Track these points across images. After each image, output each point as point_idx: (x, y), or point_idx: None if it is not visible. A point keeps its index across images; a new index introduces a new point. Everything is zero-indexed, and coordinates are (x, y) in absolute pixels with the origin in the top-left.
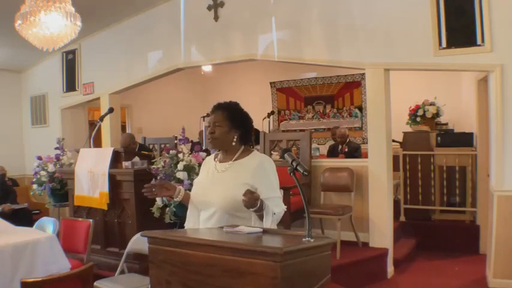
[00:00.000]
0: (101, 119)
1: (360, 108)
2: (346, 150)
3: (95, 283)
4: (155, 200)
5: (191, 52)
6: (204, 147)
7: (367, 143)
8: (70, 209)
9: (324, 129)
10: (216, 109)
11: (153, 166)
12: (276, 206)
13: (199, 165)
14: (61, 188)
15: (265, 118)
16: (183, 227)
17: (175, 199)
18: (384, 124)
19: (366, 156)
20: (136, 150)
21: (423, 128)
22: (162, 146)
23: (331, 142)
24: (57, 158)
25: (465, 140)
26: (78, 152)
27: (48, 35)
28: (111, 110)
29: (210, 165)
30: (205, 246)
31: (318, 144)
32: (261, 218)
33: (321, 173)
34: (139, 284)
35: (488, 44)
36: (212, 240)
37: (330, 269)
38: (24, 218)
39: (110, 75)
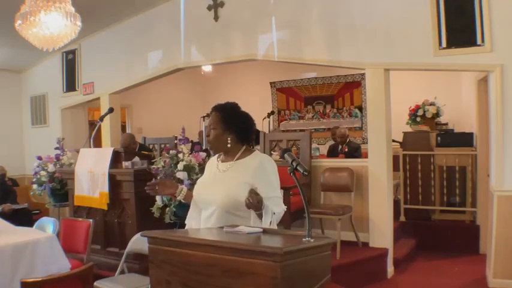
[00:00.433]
0: (101, 119)
1: (360, 108)
2: (346, 150)
3: (95, 283)
4: (155, 200)
5: (191, 52)
6: (204, 147)
7: (367, 143)
8: (70, 209)
9: (324, 129)
10: (212, 111)
11: (153, 166)
12: (275, 206)
13: (199, 165)
14: (61, 188)
15: (265, 118)
16: (183, 227)
17: (177, 197)
18: (384, 124)
19: (366, 156)
20: (136, 150)
21: (423, 128)
22: (162, 146)
23: (331, 142)
24: (57, 158)
25: (465, 140)
26: (78, 152)
27: (48, 35)
28: (111, 110)
29: (213, 165)
30: (205, 246)
31: (318, 144)
32: (260, 217)
33: (321, 173)
34: (139, 284)
35: (488, 44)
36: (212, 240)
37: (330, 269)
38: (24, 218)
39: (110, 75)
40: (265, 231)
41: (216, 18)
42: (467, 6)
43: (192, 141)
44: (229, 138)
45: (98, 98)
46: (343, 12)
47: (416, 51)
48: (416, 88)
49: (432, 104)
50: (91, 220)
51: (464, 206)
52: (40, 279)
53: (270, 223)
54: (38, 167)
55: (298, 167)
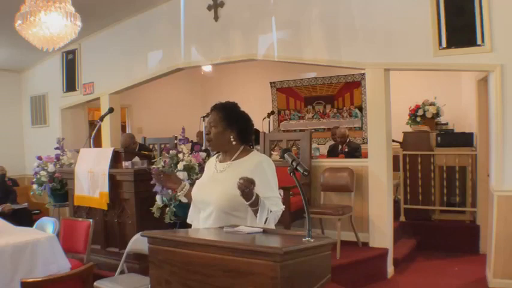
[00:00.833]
0: (101, 119)
1: (360, 108)
2: (346, 150)
3: (95, 283)
4: (155, 200)
5: (191, 52)
6: (203, 147)
7: (367, 143)
8: (70, 209)
9: (324, 129)
10: (212, 110)
11: (153, 166)
12: (273, 205)
13: (199, 165)
14: (61, 188)
15: (265, 118)
16: (183, 227)
17: (178, 193)
18: (384, 124)
19: (366, 156)
20: (136, 150)
21: (423, 128)
22: (162, 146)
23: (331, 142)
24: (57, 158)
25: (465, 140)
26: (78, 152)
27: (48, 35)
28: (111, 110)
29: (212, 165)
30: (205, 246)
31: (318, 144)
32: (256, 213)
33: (321, 173)
34: (139, 284)
35: (488, 44)
36: (212, 240)
37: (330, 269)
38: (24, 218)
39: (110, 75)
40: (265, 231)
41: (216, 18)
42: (467, 6)
43: (192, 141)
44: (231, 136)
45: (98, 98)
46: (343, 12)
47: (416, 51)
48: (416, 88)
49: (432, 104)
50: (91, 220)
51: (464, 206)
52: (40, 279)
53: (266, 220)
54: (38, 167)
55: (298, 167)
